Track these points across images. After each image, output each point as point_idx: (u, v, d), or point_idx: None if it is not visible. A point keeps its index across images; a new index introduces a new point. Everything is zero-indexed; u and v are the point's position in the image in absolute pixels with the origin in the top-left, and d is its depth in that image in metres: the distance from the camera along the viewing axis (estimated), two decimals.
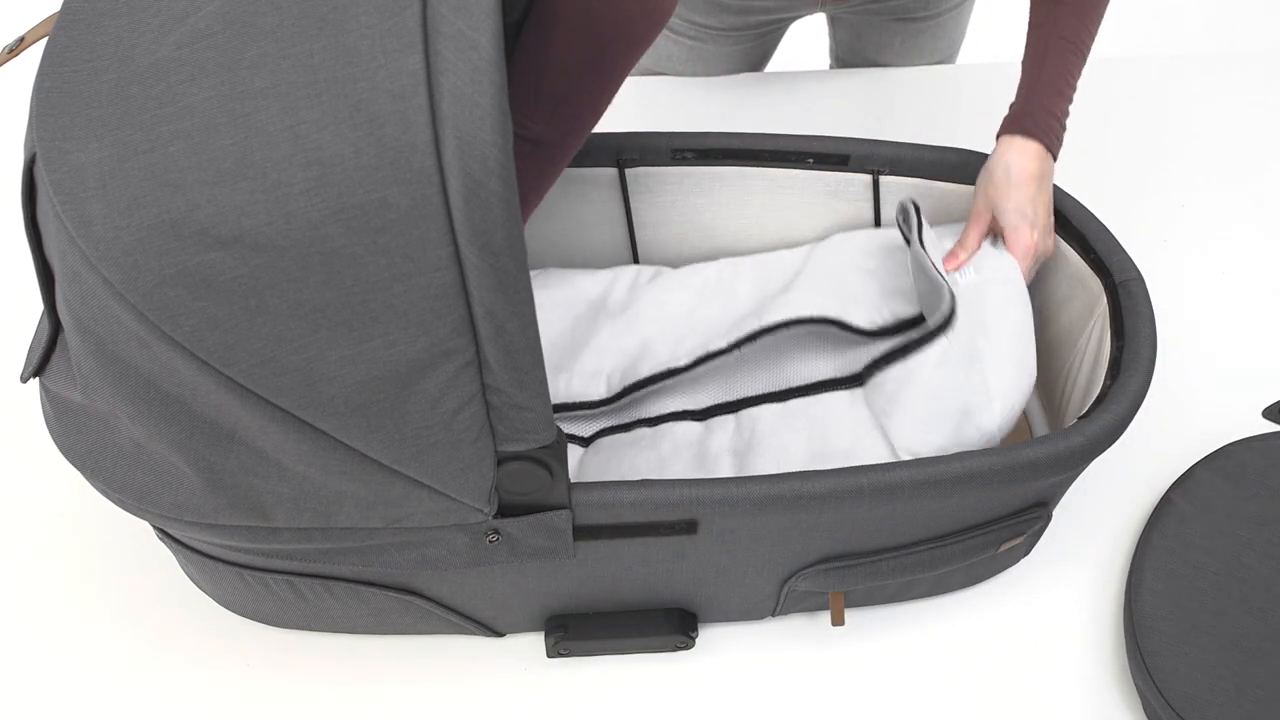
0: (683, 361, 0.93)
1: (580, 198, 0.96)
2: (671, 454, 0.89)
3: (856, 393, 0.88)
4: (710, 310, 0.97)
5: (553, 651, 0.83)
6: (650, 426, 0.92)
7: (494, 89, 0.49)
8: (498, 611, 0.82)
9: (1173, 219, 1.14)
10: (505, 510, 0.68)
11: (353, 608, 0.80)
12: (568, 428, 0.97)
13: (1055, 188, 0.90)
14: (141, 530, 0.91)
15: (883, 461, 0.79)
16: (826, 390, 0.89)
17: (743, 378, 0.96)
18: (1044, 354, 0.95)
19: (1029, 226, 0.88)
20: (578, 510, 0.69)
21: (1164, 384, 1.01)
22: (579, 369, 0.96)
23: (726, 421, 0.91)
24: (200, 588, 0.86)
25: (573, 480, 0.69)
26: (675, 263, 1.03)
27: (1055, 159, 0.89)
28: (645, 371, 0.94)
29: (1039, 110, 0.88)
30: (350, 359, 0.54)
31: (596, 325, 0.98)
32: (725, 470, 0.87)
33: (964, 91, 1.24)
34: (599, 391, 0.95)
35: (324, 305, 0.52)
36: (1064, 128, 0.89)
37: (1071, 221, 0.89)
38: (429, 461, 0.60)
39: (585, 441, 0.95)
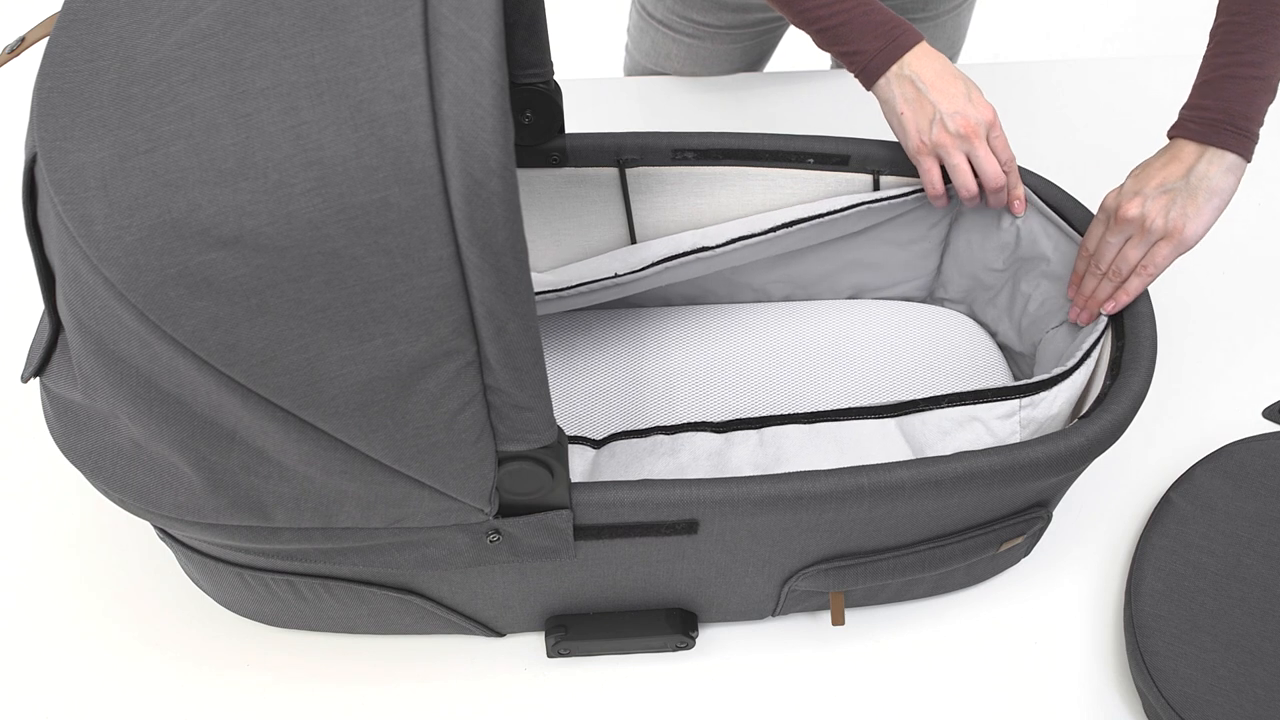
0: (713, 241, 0.93)
1: (580, 198, 0.96)
2: (690, 463, 0.89)
3: (888, 422, 0.88)
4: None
5: (553, 651, 0.83)
6: (668, 435, 0.93)
7: (495, 89, 0.49)
8: (498, 611, 0.82)
9: None
10: (506, 510, 0.68)
11: (353, 608, 0.80)
12: (580, 429, 0.98)
13: (1056, 187, 0.90)
14: (141, 530, 0.91)
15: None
16: (855, 417, 0.89)
17: (765, 395, 0.98)
18: None
19: (1119, 187, 0.82)
20: (578, 510, 0.69)
21: (1164, 384, 1.01)
22: (588, 267, 0.97)
23: (749, 436, 0.91)
24: (200, 588, 0.86)
25: (588, 482, 0.69)
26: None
27: (1237, 154, 0.79)
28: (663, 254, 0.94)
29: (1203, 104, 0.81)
30: (351, 359, 0.54)
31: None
32: None
33: None
34: (615, 269, 0.95)
35: (325, 305, 0.52)
36: (1239, 128, 0.79)
37: (1071, 221, 0.89)
38: (430, 461, 0.60)
39: (597, 444, 0.95)
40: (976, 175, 0.87)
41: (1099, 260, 0.85)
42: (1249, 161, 0.81)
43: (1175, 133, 0.82)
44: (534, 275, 0.98)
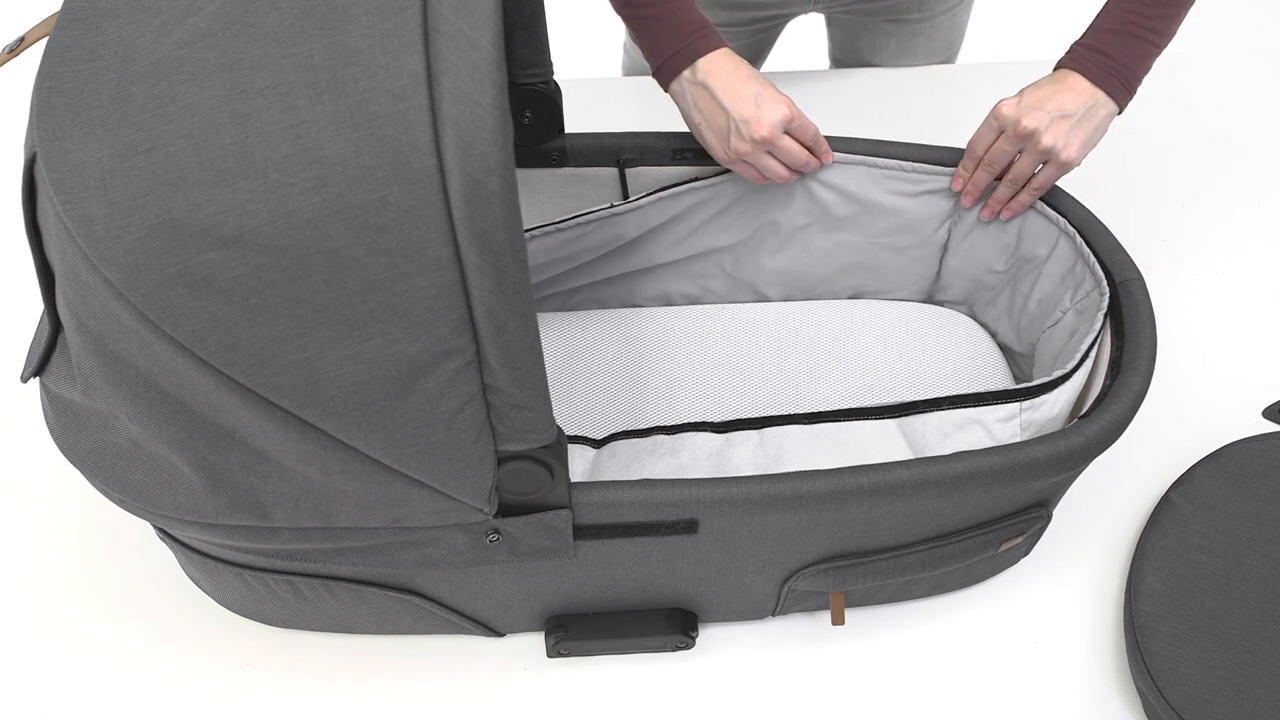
0: (703, 184, 0.95)
1: (580, 197, 0.96)
2: (691, 463, 0.89)
3: (889, 423, 0.88)
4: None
5: (553, 651, 0.83)
6: (669, 435, 0.93)
7: (494, 89, 0.49)
8: (498, 611, 0.82)
9: (1173, 219, 1.14)
10: (506, 510, 0.68)
11: (353, 608, 0.80)
12: (581, 429, 0.97)
13: (1056, 187, 0.90)
14: (141, 530, 0.91)
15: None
16: (856, 418, 0.90)
17: (765, 395, 0.98)
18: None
19: (1017, 98, 0.85)
20: (578, 510, 0.69)
21: (1164, 384, 1.01)
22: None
23: (749, 436, 0.91)
24: (200, 588, 0.86)
25: (588, 481, 0.69)
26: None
27: (1118, 104, 0.85)
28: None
29: (1091, 44, 0.86)
30: (351, 358, 0.54)
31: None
32: None
33: (964, 91, 1.24)
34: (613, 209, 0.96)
35: (325, 305, 0.52)
36: (1126, 74, 0.84)
37: (1071, 221, 0.89)
38: (429, 461, 0.60)
39: (597, 444, 0.95)
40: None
41: (992, 163, 0.89)
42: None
43: (1074, 68, 0.86)
44: (525, 214, 0.98)
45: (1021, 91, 0.86)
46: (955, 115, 1.21)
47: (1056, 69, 0.87)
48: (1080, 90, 0.85)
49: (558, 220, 0.95)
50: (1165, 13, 0.85)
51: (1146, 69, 0.86)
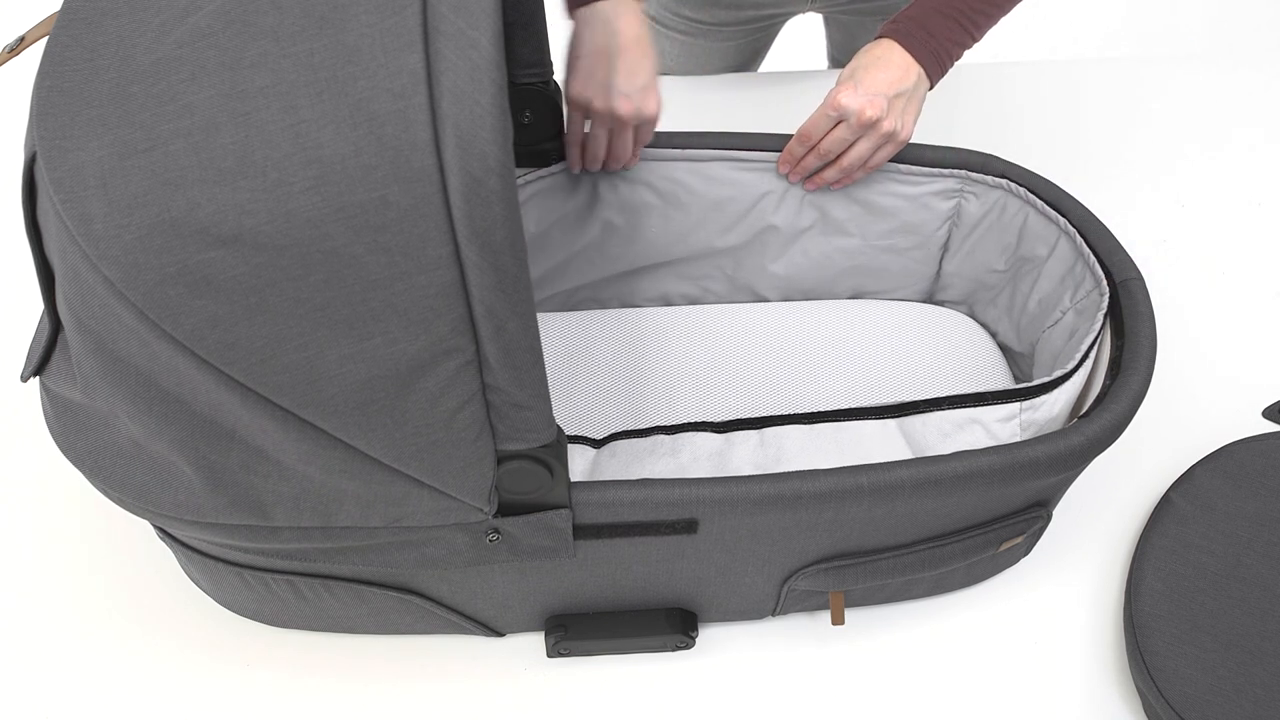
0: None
1: None
2: (691, 463, 0.90)
3: (889, 423, 0.88)
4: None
5: (553, 651, 0.83)
6: (669, 435, 0.93)
7: (494, 88, 0.49)
8: (498, 611, 0.82)
9: (1172, 219, 1.14)
10: (505, 509, 0.68)
11: (353, 608, 0.80)
12: (581, 429, 0.97)
13: (1056, 187, 0.90)
14: (141, 530, 0.91)
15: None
16: (856, 418, 0.90)
17: (765, 395, 0.98)
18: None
19: (853, 85, 0.86)
20: (578, 509, 0.69)
21: (1164, 384, 1.01)
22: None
23: (749, 437, 0.91)
24: (200, 588, 0.86)
25: (588, 481, 0.69)
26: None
27: (930, 82, 0.89)
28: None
29: (921, 24, 0.88)
30: (350, 357, 0.54)
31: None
32: None
33: (964, 91, 1.24)
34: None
35: (324, 304, 0.52)
36: (950, 56, 0.88)
37: (1071, 221, 0.89)
38: (429, 460, 0.60)
39: (597, 444, 0.95)
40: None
41: (826, 150, 0.89)
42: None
43: (898, 40, 0.87)
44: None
45: (853, 73, 0.87)
46: (955, 115, 1.21)
47: (879, 36, 0.88)
48: (906, 66, 0.87)
49: (550, 165, 0.94)
50: (989, 10, 0.89)
51: (958, 57, 0.90)
